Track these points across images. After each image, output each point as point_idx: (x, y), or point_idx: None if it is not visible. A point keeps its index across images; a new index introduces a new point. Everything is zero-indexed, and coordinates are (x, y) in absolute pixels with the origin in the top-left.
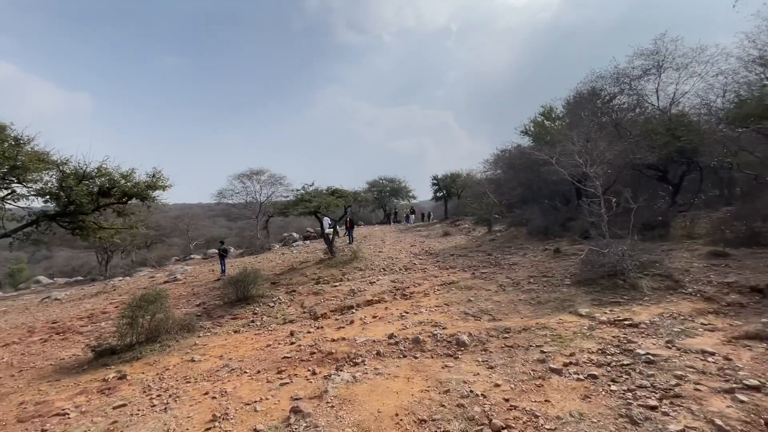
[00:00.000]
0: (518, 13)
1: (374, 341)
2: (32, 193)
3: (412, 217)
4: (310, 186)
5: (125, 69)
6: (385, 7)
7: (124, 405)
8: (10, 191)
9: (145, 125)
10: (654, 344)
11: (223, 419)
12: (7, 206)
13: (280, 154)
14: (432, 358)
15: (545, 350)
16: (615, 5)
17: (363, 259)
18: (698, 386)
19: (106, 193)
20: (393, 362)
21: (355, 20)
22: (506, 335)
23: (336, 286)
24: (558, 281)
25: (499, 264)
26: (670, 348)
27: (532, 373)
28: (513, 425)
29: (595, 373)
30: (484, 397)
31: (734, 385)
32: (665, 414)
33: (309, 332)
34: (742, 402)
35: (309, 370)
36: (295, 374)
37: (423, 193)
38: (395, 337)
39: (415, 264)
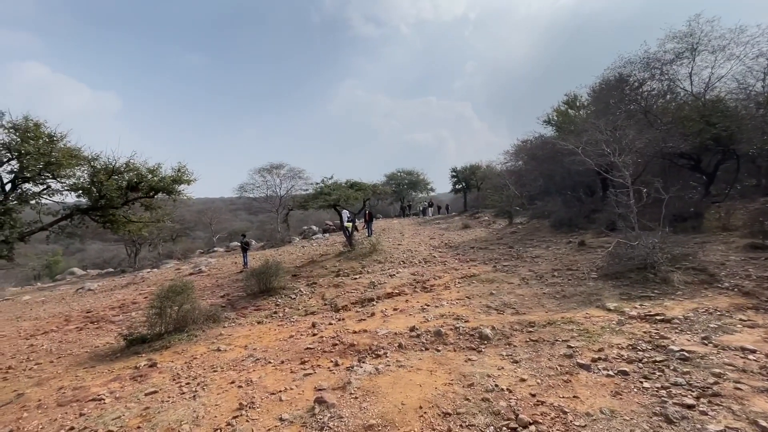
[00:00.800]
0: (538, 0)
1: (396, 333)
2: (66, 188)
3: (431, 209)
4: (330, 179)
5: (149, 68)
6: None
7: (155, 392)
8: (45, 186)
9: (168, 122)
10: (689, 340)
11: (249, 407)
12: (43, 201)
13: (299, 149)
14: (455, 351)
15: (572, 345)
16: None
17: (382, 251)
18: (739, 385)
19: (134, 187)
20: (415, 355)
21: (371, 13)
22: (531, 329)
23: (356, 278)
24: (584, 274)
25: (521, 257)
26: (706, 345)
27: (558, 368)
28: (540, 421)
29: (625, 369)
30: (510, 391)
31: None
32: (703, 413)
33: (330, 324)
34: None
35: (332, 362)
36: (318, 365)
37: (441, 185)
38: (417, 329)
39: (434, 257)
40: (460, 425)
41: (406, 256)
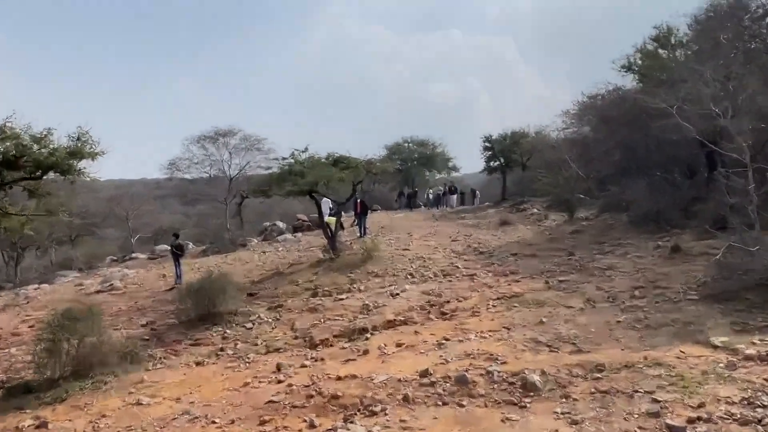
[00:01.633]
0: None
1: (399, 380)
2: None
3: (454, 197)
4: (303, 152)
5: None
6: None
7: None
8: None
9: (67, 71)
10: None
11: None
12: None
13: (259, 109)
14: (486, 406)
15: (659, 398)
16: None
17: (381, 259)
18: None
19: (11, 163)
20: (428, 412)
21: None
22: (598, 375)
23: (342, 299)
24: (678, 295)
25: (586, 268)
26: None
27: None
28: None
29: None
30: None
31: None
32: None
33: (303, 366)
34: None
35: (305, 421)
36: (285, 426)
37: (468, 162)
38: (430, 374)
39: (458, 267)
40: None
41: (415, 266)
